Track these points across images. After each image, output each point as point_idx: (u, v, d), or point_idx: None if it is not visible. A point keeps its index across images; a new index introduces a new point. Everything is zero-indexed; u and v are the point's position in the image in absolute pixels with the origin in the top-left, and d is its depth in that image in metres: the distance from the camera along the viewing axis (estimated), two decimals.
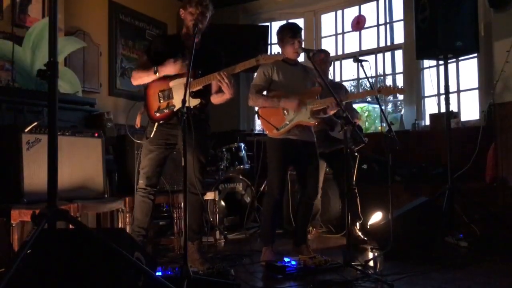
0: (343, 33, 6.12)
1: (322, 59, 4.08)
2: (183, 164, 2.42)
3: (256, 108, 3.52)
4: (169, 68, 2.93)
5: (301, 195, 3.50)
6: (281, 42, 3.40)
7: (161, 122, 3.00)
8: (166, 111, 2.98)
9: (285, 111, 3.33)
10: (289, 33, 3.35)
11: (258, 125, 6.29)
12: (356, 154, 4.10)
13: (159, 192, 3.34)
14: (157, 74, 2.94)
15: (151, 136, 2.99)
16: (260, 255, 3.33)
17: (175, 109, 2.94)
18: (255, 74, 3.49)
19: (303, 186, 3.44)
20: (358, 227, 3.96)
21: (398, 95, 6.02)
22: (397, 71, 5.96)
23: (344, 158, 3.14)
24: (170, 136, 3.05)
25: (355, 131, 3.60)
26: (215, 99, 3.11)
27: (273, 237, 3.37)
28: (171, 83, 2.98)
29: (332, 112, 3.47)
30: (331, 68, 5.84)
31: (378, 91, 3.42)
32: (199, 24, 2.84)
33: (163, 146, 3.05)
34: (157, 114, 2.99)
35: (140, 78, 3.02)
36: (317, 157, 3.47)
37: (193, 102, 2.92)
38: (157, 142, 3.03)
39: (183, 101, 2.44)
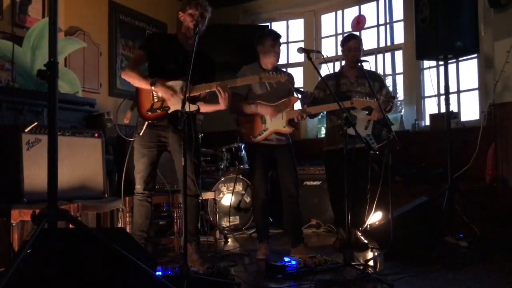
0: (343, 33, 6.11)
1: (357, 47, 3.89)
2: (182, 164, 2.42)
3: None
4: (168, 94, 2.91)
5: (283, 196, 3.54)
6: (261, 46, 3.47)
7: (150, 122, 2.98)
8: (159, 111, 2.96)
9: (262, 120, 3.45)
10: (270, 37, 3.44)
11: None
12: (377, 153, 3.75)
13: (159, 192, 3.34)
14: (153, 87, 2.91)
15: (141, 134, 2.97)
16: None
17: (169, 111, 2.93)
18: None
19: (283, 186, 3.52)
20: (360, 231, 3.94)
21: (398, 95, 6.01)
22: (397, 71, 5.96)
23: (346, 158, 3.13)
24: (161, 137, 3.04)
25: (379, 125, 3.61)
26: (204, 108, 3.10)
27: (267, 233, 3.53)
28: (168, 84, 2.95)
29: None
30: (331, 68, 5.89)
31: (350, 102, 3.46)
32: (199, 25, 2.84)
33: (155, 148, 3.05)
34: (149, 113, 2.98)
35: (132, 79, 2.99)
36: (293, 157, 3.54)
37: (191, 108, 2.92)
38: (149, 145, 3.02)
39: (183, 102, 2.44)
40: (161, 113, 2.96)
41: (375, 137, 3.75)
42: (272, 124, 3.45)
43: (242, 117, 3.52)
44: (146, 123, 2.98)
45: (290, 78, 3.66)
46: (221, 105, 2.98)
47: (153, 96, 2.98)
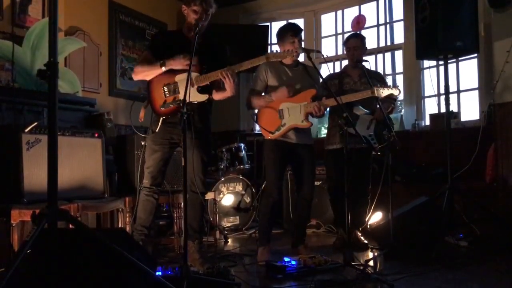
0: (343, 33, 6.12)
1: (355, 46, 3.88)
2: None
3: (255, 111, 3.54)
4: (177, 62, 2.90)
5: (298, 196, 3.52)
6: (281, 41, 3.42)
7: (165, 117, 2.97)
8: (172, 105, 2.96)
9: (280, 115, 3.36)
10: (290, 32, 3.38)
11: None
12: (379, 153, 3.69)
13: (159, 192, 3.34)
14: (164, 68, 2.92)
15: (157, 130, 2.98)
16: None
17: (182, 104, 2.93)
18: (254, 76, 3.52)
19: (300, 187, 3.48)
20: (360, 231, 3.93)
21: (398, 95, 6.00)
22: (397, 71, 5.95)
23: (346, 158, 3.12)
24: (174, 135, 3.04)
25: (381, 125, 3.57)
26: (216, 96, 3.10)
27: (269, 237, 3.42)
28: (177, 77, 2.95)
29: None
30: (331, 68, 5.89)
31: (371, 91, 3.40)
32: (201, 23, 2.84)
33: (167, 146, 3.05)
34: (163, 109, 2.98)
35: (144, 73, 2.99)
36: (313, 159, 3.48)
37: (200, 98, 2.92)
38: (161, 142, 3.03)
39: (184, 101, 2.43)
40: (174, 107, 2.95)
41: (377, 137, 3.73)
42: (290, 119, 3.34)
43: (260, 113, 3.44)
44: (161, 119, 2.98)
45: (313, 73, 3.53)
46: (228, 92, 2.96)
47: (164, 91, 2.98)
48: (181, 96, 2.92)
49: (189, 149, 2.86)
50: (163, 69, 2.92)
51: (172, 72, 2.96)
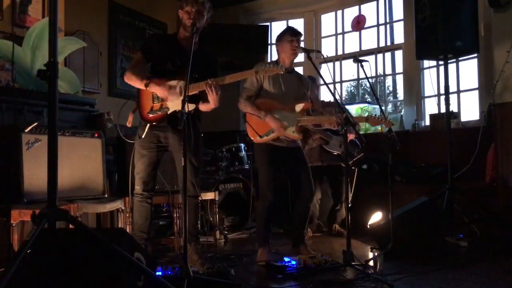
0: (343, 33, 6.12)
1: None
2: (182, 164, 2.42)
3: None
4: (160, 90, 2.90)
5: (296, 198, 3.50)
6: (279, 42, 3.42)
7: (153, 123, 2.97)
8: (159, 112, 2.96)
9: None
10: (288, 32, 3.39)
11: None
12: (353, 168, 3.98)
13: (159, 192, 3.33)
14: (147, 88, 2.91)
15: (143, 136, 2.97)
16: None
17: (168, 112, 2.92)
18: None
19: (298, 190, 3.46)
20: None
21: (398, 94, 6.01)
22: (397, 71, 5.96)
23: (344, 162, 3.13)
24: (162, 138, 3.03)
25: (349, 144, 3.61)
26: (201, 107, 3.05)
27: (268, 238, 3.39)
28: (167, 84, 2.94)
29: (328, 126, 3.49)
30: (331, 68, 5.90)
31: (366, 119, 3.41)
32: (197, 23, 2.83)
33: (155, 149, 3.03)
34: (150, 115, 2.97)
35: (131, 81, 3.00)
36: (306, 161, 3.48)
37: (189, 107, 2.90)
38: (149, 146, 3.01)
39: (183, 101, 2.43)
40: (161, 114, 2.95)
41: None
42: None
43: (251, 114, 3.40)
44: (148, 125, 2.97)
45: (307, 83, 3.57)
46: (211, 104, 2.93)
47: (153, 97, 2.97)
48: (168, 104, 2.92)
49: (178, 153, 2.84)
50: (146, 88, 2.92)
51: (163, 79, 2.94)
